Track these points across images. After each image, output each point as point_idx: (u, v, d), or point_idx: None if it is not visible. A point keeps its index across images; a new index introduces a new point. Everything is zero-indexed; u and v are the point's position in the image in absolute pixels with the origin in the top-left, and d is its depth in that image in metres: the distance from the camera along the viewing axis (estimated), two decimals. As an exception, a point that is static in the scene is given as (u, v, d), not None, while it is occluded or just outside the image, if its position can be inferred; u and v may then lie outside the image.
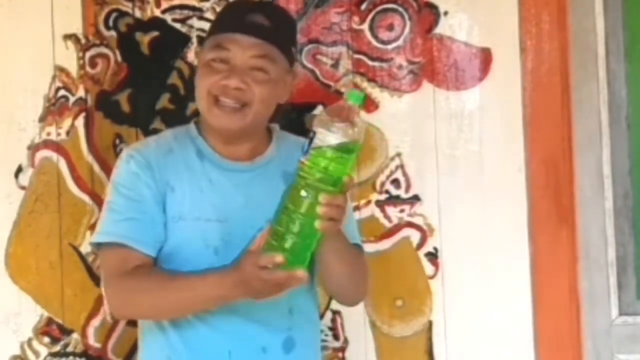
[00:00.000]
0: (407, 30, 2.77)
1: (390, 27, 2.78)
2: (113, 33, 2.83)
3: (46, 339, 2.85)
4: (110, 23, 2.82)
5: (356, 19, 2.78)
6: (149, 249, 2.20)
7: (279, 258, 1.98)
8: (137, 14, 2.82)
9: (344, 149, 1.94)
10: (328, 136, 1.93)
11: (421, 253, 2.77)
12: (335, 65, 2.79)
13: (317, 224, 1.98)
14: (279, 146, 2.33)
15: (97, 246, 2.26)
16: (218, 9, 2.77)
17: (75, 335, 2.83)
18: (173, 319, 2.20)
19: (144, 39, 2.83)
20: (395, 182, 2.78)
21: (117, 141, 2.82)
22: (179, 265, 2.20)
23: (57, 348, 2.84)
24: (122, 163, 2.26)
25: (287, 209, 1.97)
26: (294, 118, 2.74)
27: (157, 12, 2.82)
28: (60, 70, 2.83)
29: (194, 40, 2.78)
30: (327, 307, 2.78)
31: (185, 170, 2.24)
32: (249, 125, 2.24)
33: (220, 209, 2.22)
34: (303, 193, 1.96)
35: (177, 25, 2.82)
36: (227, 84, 2.20)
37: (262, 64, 2.22)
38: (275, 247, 1.98)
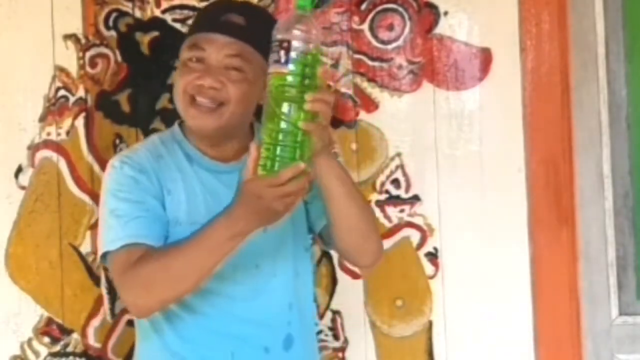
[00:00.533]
0: (407, 30, 2.77)
1: (390, 27, 2.78)
2: (113, 33, 2.83)
3: (46, 339, 2.85)
4: (110, 23, 2.82)
5: (356, 19, 2.78)
6: (156, 242, 2.17)
7: (302, 165, 1.95)
8: (137, 14, 2.82)
9: (320, 51, 1.98)
10: (303, 43, 1.95)
11: (421, 253, 2.77)
12: (335, 65, 2.79)
13: (304, 125, 1.96)
14: None
15: (104, 256, 2.20)
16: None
17: (75, 335, 2.83)
18: (197, 286, 2.12)
19: (144, 39, 2.83)
20: (395, 182, 2.78)
21: (117, 141, 2.82)
22: None
23: (57, 348, 2.84)
24: (114, 171, 2.22)
25: (278, 120, 1.95)
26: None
27: (157, 12, 2.82)
28: (60, 70, 2.83)
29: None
30: (327, 307, 2.79)
31: (178, 175, 2.22)
32: (225, 125, 2.21)
33: (213, 211, 2.17)
34: (296, 99, 1.96)
35: (177, 25, 2.82)
36: (202, 83, 2.18)
37: (237, 63, 2.19)
38: (275, 160, 1.96)
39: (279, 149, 1.95)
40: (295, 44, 1.95)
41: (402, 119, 2.78)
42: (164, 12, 2.82)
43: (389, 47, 2.78)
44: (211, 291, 2.18)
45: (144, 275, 2.11)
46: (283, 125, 1.95)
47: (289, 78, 1.96)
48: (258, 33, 2.23)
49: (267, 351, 2.22)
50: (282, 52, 1.96)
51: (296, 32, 1.95)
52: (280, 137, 1.95)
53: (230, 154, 2.27)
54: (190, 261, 2.08)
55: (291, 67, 1.95)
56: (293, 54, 1.95)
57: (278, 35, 1.97)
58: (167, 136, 2.30)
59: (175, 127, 2.31)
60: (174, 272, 2.09)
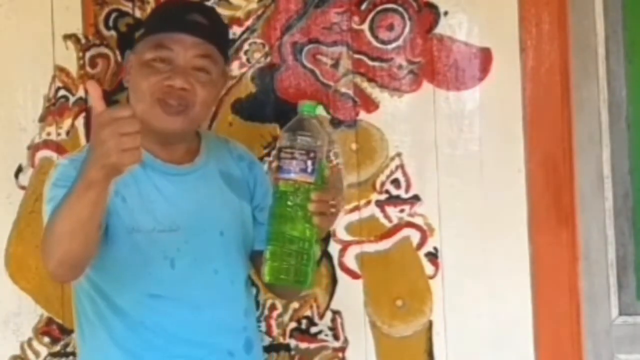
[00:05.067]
0: (407, 30, 2.77)
1: (390, 27, 2.78)
2: (113, 33, 2.83)
3: (46, 339, 2.85)
4: (110, 23, 2.82)
5: (356, 19, 2.78)
6: None
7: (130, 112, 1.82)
8: (137, 14, 2.82)
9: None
10: (323, 153, 2.05)
11: (421, 253, 2.76)
12: (336, 65, 2.79)
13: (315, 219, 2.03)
14: (208, 145, 2.31)
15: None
16: (218, 9, 2.76)
17: (75, 335, 2.83)
18: (81, 241, 1.95)
19: (144, 39, 2.82)
20: (396, 182, 2.78)
21: (117, 141, 2.81)
22: (136, 279, 2.16)
23: (57, 348, 2.85)
24: (61, 167, 2.17)
25: (305, 229, 2.04)
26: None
27: (157, 12, 2.82)
28: (61, 70, 2.83)
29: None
30: (327, 307, 2.79)
31: (132, 181, 2.13)
32: (189, 127, 2.21)
33: (170, 217, 2.18)
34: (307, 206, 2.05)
35: (177, 25, 2.82)
36: (172, 84, 2.15)
37: (205, 63, 2.19)
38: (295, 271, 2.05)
39: (295, 259, 2.04)
40: (319, 155, 2.03)
41: (402, 119, 2.78)
42: (164, 12, 2.82)
43: (389, 47, 2.78)
44: (177, 299, 2.17)
45: (43, 241, 2.00)
46: (308, 233, 2.04)
47: (313, 187, 2.03)
48: (220, 34, 2.27)
49: (231, 355, 2.23)
50: (310, 162, 2.02)
51: (319, 143, 2.03)
52: (300, 245, 2.04)
53: (180, 156, 2.25)
54: (64, 216, 1.91)
55: (315, 177, 2.03)
56: (317, 165, 2.03)
57: (302, 141, 2.03)
58: None
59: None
60: (56, 229, 1.94)
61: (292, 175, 2.02)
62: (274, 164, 2.07)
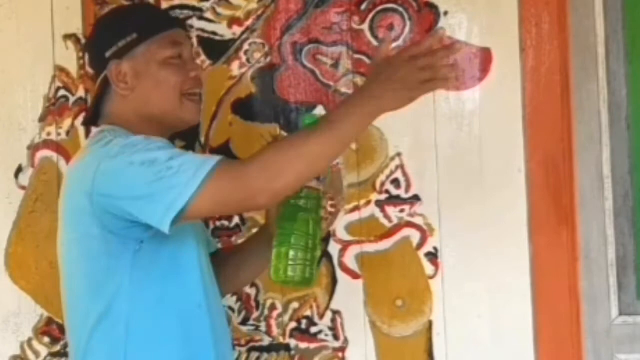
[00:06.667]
0: (407, 30, 2.77)
1: (391, 27, 2.77)
2: (113, 33, 2.83)
3: (46, 339, 2.85)
4: (110, 23, 2.82)
5: (356, 19, 2.78)
6: None
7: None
8: (137, 14, 2.82)
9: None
10: None
11: (421, 253, 2.76)
12: (336, 65, 2.78)
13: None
14: None
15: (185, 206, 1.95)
16: (218, 9, 2.77)
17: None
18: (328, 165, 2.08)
19: (144, 39, 2.82)
20: (395, 182, 2.78)
21: (117, 141, 2.81)
22: (177, 272, 2.13)
23: (57, 348, 2.85)
24: (135, 138, 2.10)
25: (309, 227, 2.13)
26: (295, 118, 2.75)
27: (157, 12, 2.82)
28: (60, 70, 2.83)
29: (194, 40, 2.78)
30: (327, 307, 2.78)
31: None
32: None
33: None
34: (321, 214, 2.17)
35: (177, 26, 2.82)
36: (197, 74, 2.23)
37: (194, 53, 2.36)
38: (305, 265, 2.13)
39: (305, 254, 2.12)
40: None
41: (402, 118, 2.76)
42: (164, 12, 2.82)
43: (389, 47, 2.77)
44: (209, 307, 2.18)
45: (277, 157, 1.96)
46: (312, 232, 2.14)
47: (321, 194, 2.14)
48: None
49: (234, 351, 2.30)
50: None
51: None
52: (306, 243, 2.12)
53: None
54: (326, 140, 1.98)
55: (323, 184, 2.14)
56: (327, 173, 2.15)
57: None
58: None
59: (116, 129, 2.17)
60: (311, 151, 1.97)
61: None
62: None
